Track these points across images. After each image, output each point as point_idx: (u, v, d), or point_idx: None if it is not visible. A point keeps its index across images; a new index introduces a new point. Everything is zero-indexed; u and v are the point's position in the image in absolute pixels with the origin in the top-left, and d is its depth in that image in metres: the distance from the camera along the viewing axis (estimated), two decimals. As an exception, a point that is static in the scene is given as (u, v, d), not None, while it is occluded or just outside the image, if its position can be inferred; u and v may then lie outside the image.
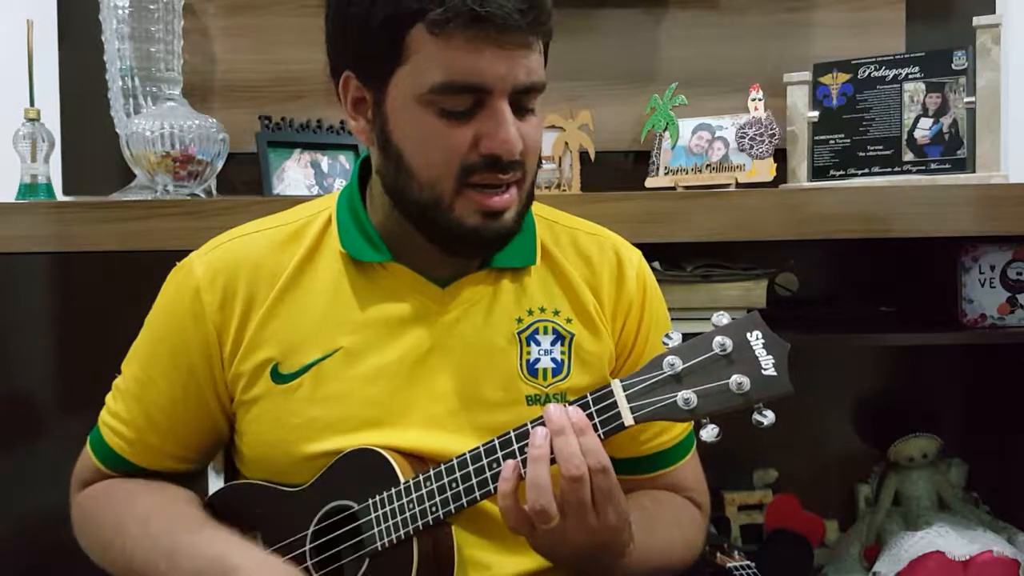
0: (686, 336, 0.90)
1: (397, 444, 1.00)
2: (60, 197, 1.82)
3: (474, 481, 0.93)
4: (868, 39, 1.91)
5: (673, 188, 1.77)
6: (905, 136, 1.72)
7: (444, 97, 0.91)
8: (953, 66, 1.68)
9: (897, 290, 1.89)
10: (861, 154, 1.75)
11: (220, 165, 1.72)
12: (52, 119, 1.82)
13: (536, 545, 0.92)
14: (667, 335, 0.89)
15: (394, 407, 1.01)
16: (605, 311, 1.08)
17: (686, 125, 1.82)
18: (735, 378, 0.84)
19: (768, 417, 0.84)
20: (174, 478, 1.09)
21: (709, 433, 0.86)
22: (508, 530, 0.91)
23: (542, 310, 1.06)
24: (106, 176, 1.84)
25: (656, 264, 1.56)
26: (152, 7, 1.75)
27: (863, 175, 1.74)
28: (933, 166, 1.69)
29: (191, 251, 1.08)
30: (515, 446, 0.91)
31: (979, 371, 1.93)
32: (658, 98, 1.84)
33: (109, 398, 1.10)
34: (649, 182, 1.83)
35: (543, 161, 1.82)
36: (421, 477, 0.95)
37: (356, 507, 0.98)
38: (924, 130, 1.70)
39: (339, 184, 1.80)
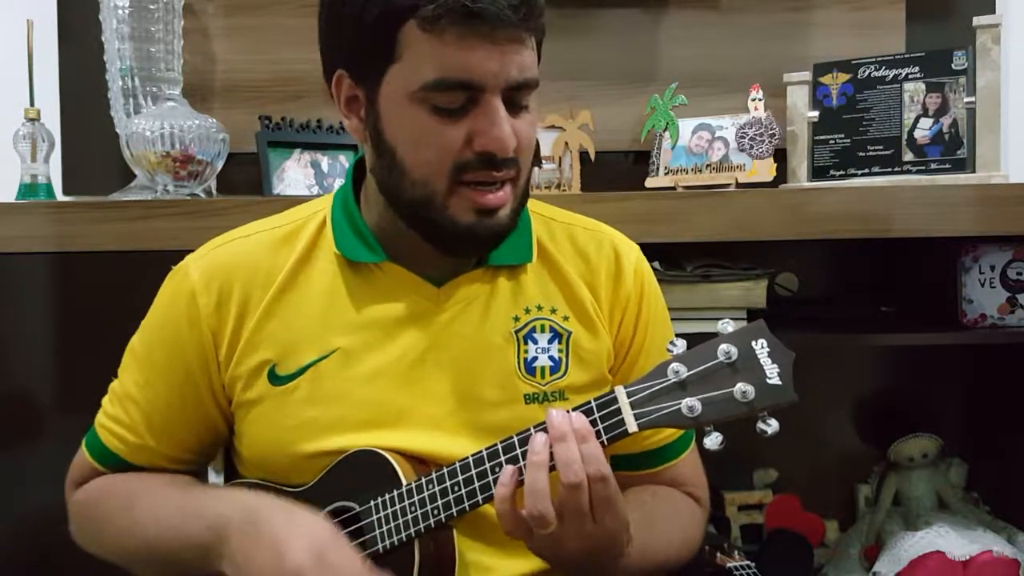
0: (688, 339, 0.90)
1: (396, 444, 1.00)
2: (60, 197, 1.83)
3: (476, 485, 0.93)
4: (868, 39, 1.91)
5: (673, 188, 1.77)
6: (905, 136, 1.72)
7: (437, 94, 0.91)
8: (953, 66, 1.68)
9: (897, 290, 1.89)
10: (861, 154, 1.75)
11: (220, 165, 1.72)
12: (52, 119, 1.82)
13: (534, 548, 0.92)
14: (671, 342, 0.89)
15: (392, 407, 1.01)
16: (603, 308, 1.08)
17: (686, 125, 1.82)
18: (740, 386, 0.84)
19: (772, 426, 0.84)
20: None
21: (713, 441, 0.86)
22: (505, 534, 0.91)
23: (539, 308, 1.06)
24: (106, 176, 1.84)
25: (656, 264, 1.56)
26: (152, 7, 1.75)
27: (863, 175, 1.74)
28: (933, 166, 1.69)
29: (191, 251, 1.08)
30: (518, 451, 0.91)
31: (979, 371, 1.93)
32: (658, 98, 1.84)
33: (105, 401, 1.10)
34: (649, 182, 1.83)
35: (543, 161, 1.83)
36: (423, 480, 0.95)
37: (358, 508, 0.98)
38: (924, 130, 1.70)
39: (339, 184, 1.80)
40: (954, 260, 1.69)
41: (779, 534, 1.86)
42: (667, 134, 1.83)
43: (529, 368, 1.04)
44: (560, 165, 1.85)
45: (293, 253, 1.04)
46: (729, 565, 1.60)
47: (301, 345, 1.02)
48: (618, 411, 0.88)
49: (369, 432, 1.00)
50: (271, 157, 1.77)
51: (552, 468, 0.88)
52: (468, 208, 0.95)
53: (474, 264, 1.04)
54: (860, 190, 1.58)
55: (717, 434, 0.86)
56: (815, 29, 1.95)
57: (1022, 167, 1.94)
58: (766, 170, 1.73)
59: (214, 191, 1.78)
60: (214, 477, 1.20)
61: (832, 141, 1.77)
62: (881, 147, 1.73)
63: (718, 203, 1.55)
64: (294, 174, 1.79)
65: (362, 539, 0.98)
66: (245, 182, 1.85)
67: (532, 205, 1.08)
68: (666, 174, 1.82)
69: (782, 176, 1.79)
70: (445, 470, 0.94)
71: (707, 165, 1.78)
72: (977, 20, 1.65)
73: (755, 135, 1.74)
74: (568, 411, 0.89)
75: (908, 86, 1.71)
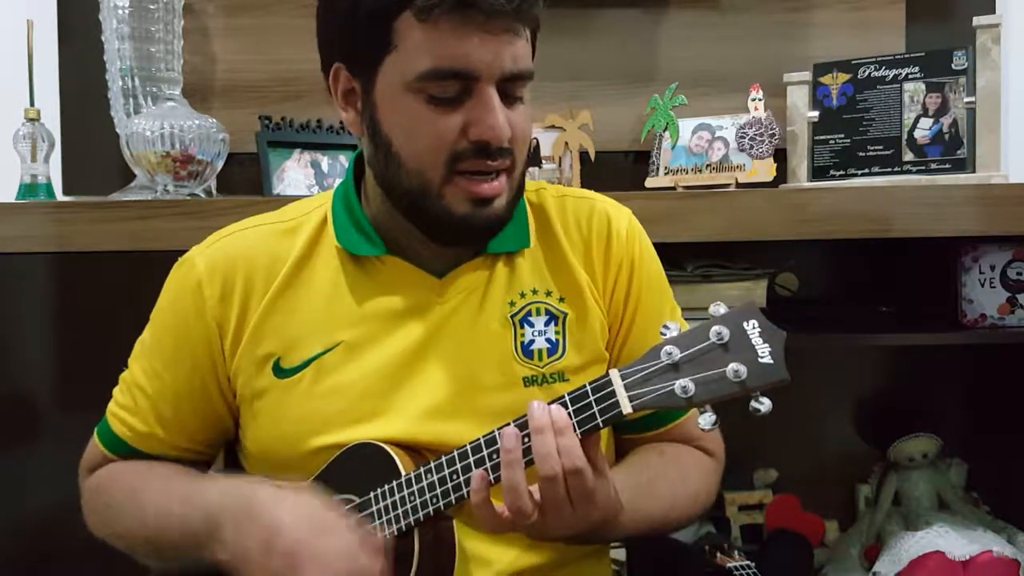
0: None
1: (398, 434, 1.01)
2: (60, 197, 1.82)
3: (474, 472, 0.93)
4: (868, 39, 1.91)
5: (673, 188, 1.77)
6: (905, 136, 1.72)
7: (432, 84, 0.92)
8: (953, 66, 1.68)
9: (897, 290, 1.89)
10: (861, 154, 1.75)
11: (220, 165, 1.72)
12: (52, 119, 1.82)
13: (523, 532, 0.94)
14: (665, 325, 0.90)
15: (395, 398, 1.02)
16: (596, 279, 1.09)
17: (686, 125, 1.82)
18: (732, 366, 0.85)
19: (765, 405, 0.85)
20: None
21: (706, 420, 0.86)
22: (489, 531, 0.93)
23: (534, 292, 1.07)
24: (106, 176, 1.83)
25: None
26: (152, 7, 1.75)
27: (863, 175, 1.74)
28: (933, 166, 1.69)
29: (190, 251, 1.09)
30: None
31: (979, 371, 1.93)
32: (658, 98, 1.84)
33: (116, 391, 1.11)
34: (649, 182, 1.83)
35: (543, 161, 1.83)
36: (422, 469, 0.96)
37: (358, 500, 0.99)
38: (924, 130, 1.70)
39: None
40: (954, 260, 1.69)
41: (779, 534, 1.86)
42: (667, 134, 1.83)
43: (527, 351, 1.05)
44: (560, 165, 1.85)
45: (296, 248, 1.06)
46: (729, 565, 1.59)
47: (305, 339, 1.03)
48: (613, 393, 0.89)
49: (372, 423, 1.02)
50: (271, 157, 1.77)
51: (529, 463, 0.89)
52: (463, 198, 0.96)
53: (473, 253, 1.05)
54: (860, 190, 1.58)
55: (710, 414, 0.86)
56: (815, 29, 1.95)
57: (1022, 167, 1.94)
58: (766, 170, 1.73)
59: (214, 191, 1.78)
60: (214, 477, 1.21)
61: (832, 141, 1.77)
62: (881, 147, 1.73)
63: (718, 203, 1.55)
64: (294, 174, 1.79)
65: None
66: (245, 182, 1.85)
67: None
68: (666, 174, 1.82)
69: (782, 176, 1.79)
70: (443, 459, 0.95)
71: (707, 165, 1.79)
72: (977, 20, 1.65)
73: (755, 135, 1.74)
74: (547, 403, 0.90)
75: (908, 86, 1.71)
